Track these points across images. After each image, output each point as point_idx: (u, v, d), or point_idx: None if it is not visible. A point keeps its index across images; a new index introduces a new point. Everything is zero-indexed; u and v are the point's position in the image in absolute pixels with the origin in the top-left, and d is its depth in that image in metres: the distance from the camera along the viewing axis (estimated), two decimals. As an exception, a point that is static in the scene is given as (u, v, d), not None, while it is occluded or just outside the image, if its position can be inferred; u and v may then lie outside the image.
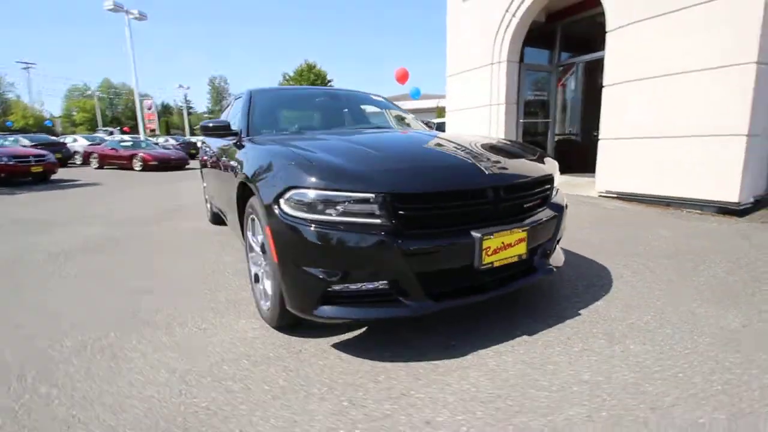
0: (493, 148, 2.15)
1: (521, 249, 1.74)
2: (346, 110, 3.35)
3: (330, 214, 1.54)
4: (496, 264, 1.66)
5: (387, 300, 1.59)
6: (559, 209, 2.03)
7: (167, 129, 49.76)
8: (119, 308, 2.30)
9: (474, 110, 7.73)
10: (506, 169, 1.82)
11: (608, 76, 5.31)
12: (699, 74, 4.30)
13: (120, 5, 19.72)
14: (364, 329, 1.96)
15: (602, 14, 6.47)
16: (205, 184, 4.45)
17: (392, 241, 1.50)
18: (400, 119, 3.45)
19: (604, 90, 5.40)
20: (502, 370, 1.59)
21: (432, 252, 1.56)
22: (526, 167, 1.96)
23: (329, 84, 31.45)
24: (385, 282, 1.57)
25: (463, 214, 1.65)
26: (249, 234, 2.15)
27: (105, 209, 5.88)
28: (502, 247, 1.67)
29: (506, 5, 6.71)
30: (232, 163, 2.48)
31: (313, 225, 1.54)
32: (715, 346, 1.73)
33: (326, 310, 1.58)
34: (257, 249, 2.07)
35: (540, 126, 7.89)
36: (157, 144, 18.38)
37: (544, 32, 7.55)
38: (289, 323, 1.88)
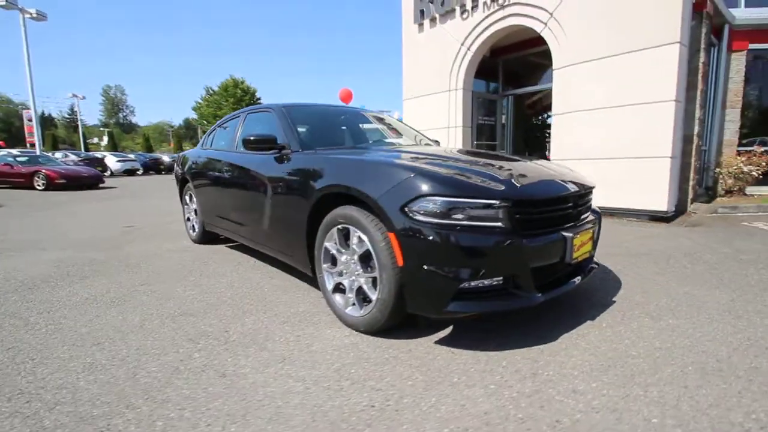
0: (552, 165, 2.53)
1: (590, 246, 2.09)
2: (367, 127, 3.51)
3: (457, 219, 1.72)
4: (579, 258, 1.99)
5: (505, 293, 1.80)
6: (597, 214, 2.46)
7: (54, 143, 43.02)
8: (194, 344, 2.15)
9: (433, 131, 8.32)
10: (577, 179, 2.19)
11: (556, 107, 6.23)
12: (633, 107, 5.31)
13: (14, 2, 17.15)
14: (449, 328, 2.13)
15: (536, 54, 7.53)
16: (194, 204, 4.18)
17: (518, 241, 1.73)
18: (412, 135, 3.70)
19: (553, 118, 6.30)
20: (595, 348, 1.89)
21: (543, 249, 1.83)
22: (584, 178, 2.35)
23: (258, 101, 30.65)
24: (501, 277, 1.79)
25: (557, 217, 1.96)
26: (330, 245, 2.19)
27: (55, 232, 5.11)
28: (581, 244, 2.01)
29: (462, 39, 7.47)
30: (291, 177, 2.49)
31: (444, 229, 1.70)
32: (723, 315, 2.24)
33: (456, 306, 1.73)
34: (344, 259, 2.13)
35: (489, 147, 8.77)
36: (56, 159, 16.04)
37: (488, 65, 8.51)
38: (390, 326, 1.98)
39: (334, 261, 2.23)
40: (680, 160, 5.71)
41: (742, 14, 7.22)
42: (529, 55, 7.83)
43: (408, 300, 1.81)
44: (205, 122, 30.26)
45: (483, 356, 1.83)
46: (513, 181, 1.87)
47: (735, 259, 3.39)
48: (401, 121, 4.27)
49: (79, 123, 48.28)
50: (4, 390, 1.60)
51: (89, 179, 13.12)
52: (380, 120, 3.67)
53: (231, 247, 4.12)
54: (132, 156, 26.00)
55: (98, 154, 24.34)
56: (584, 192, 2.16)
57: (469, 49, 7.42)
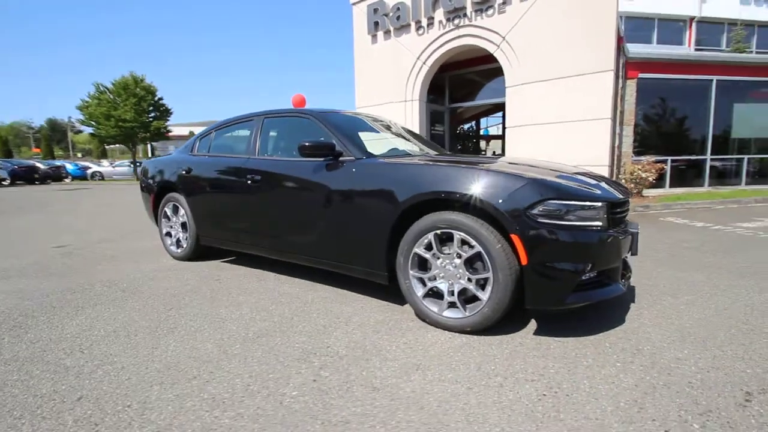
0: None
1: (635, 241, 2.49)
2: (398, 134, 3.57)
3: (570, 220, 1.94)
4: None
5: (603, 284, 2.07)
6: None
7: None
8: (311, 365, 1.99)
9: (388, 140, 8.60)
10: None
11: (509, 120, 6.96)
12: (577, 123, 6.22)
13: None
14: (531, 322, 2.33)
15: (478, 72, 8.29)
16: (181, 217, 3.75)
17: (616, 237, 2.01)
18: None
19: (506, 130, 7.02)
20: (657, 324, 2.26)
21: (626, 243, 2.14)
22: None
23: (160, 101, 27.57)
24: (600, 270, 2.05)
25: (623, 216, 2.30)
26: (421, 251, 2.23)
27: None
28: (636, 239, 2.39)
29: (418, 53, 7.89)
30: (364, 185, 2.45)
31: (563, 229, 1.90)
32: (717, 289, 2.84)
33: (574, 297, 1.94)
34: (440, 263, 2.19)
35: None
36: None
37: (436, 80, 9.11)
38: (494, 324, 2.10)
39: (424, 266, 2.28)
40: (609, 169, 6.84)
41: (634, 49, 8.92)
42: (474, 71, 8.60)
43: (530, 295, 1.97)
44: (93, 123, 26.12)
45: (585, 341, 2.06)
46: (603, 185, 2.16)
47: (682, 247, 4.24)
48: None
49: None
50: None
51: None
52: (388, 127, 3.71)
53: (228, 262, 3.78)
54: (-7, 163, 21.39)
55: None
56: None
57: (425, 63, 7.86)
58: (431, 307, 2.25)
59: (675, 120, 10.36)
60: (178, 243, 3.91)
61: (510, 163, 2.49)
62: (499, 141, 13.84)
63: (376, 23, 8.22)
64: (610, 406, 1.51)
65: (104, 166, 31.24)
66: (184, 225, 3.80)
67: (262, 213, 3.07)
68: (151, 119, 26.99)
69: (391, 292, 2.72)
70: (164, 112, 27.96)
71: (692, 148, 9.97)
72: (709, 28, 14.51)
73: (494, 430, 1.39)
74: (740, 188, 10.00)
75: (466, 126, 14.66)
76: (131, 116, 25.57)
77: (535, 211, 1.92)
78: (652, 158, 9.04)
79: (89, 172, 29.18)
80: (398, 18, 7.85)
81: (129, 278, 3.31)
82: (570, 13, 5.95)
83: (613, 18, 5.77)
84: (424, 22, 7.58)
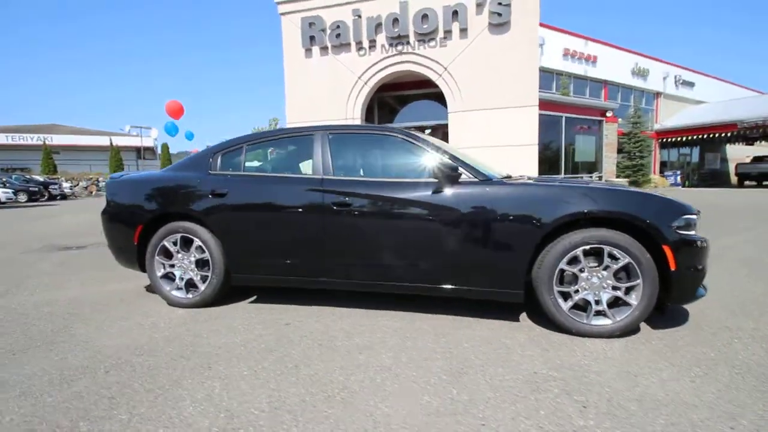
0: None
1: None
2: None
3: (692, 229, 2.40)
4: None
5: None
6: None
7: None
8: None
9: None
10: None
11: (452, 142, 7.63)
12: (510, 148, 7.25)
13: None
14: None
15: (419, 95, 8.91)
16: (194, 252, 3.00)
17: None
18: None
19: (450, 151, 7.69)
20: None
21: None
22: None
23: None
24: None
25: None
26: (564, 265, 2.40)
27: None
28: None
29: (359, 74, 7.98)
30: (502, 205, 2.49)
31: (692, 238, 2.34)
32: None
33: (698, 292, 2.40)
34: (585, 276, 2.40)
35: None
36: None
37: (376, 99, 9.33)
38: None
39: (568, 281, 2.44)
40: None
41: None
42: (416, 94, 9.10)
43: (676, 294, 2.34)
44: None
45: (672, 334, 2.50)
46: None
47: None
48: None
49: None
50: None
51: None
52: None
53: (253, 303, 3.20)
54: None
55: None
56: None
57: (366, 83, 8.00)
58: (577, 318, 2.42)
59: (546, 146, 12.98)
60: (189, 286, 3.09)
61: (594, 181, 2.89)
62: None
63: (312, 37, 7.98)
64: None
65: None
66: (201, 262, 3.04)
67: (356, 241, 2.74)
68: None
69: (475, 308, 2.82)
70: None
71: (558, 168, 12.61)
72: (544, 76, 18.83)
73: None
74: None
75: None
76: None
77: (675, 225, 2.31)
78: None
79: None
80: (338, 36, 7.79)
81: (153, 343, 2.49)
82: (502, 54, 7.01)
83: (536, 61, 7.05)
84: (366, 44, 7.75)
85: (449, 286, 2.63)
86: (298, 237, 2.85)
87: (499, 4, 6.99)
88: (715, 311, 2.81)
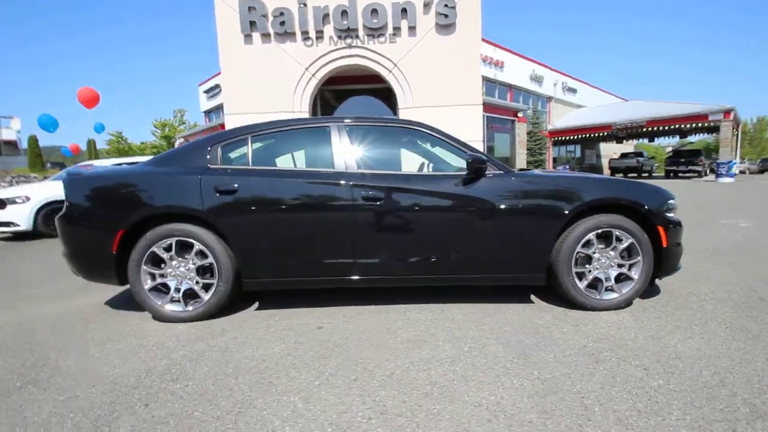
0: None
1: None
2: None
3: (674, 212, 2.87)
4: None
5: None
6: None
7: None
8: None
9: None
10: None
11: (403, 137, 7.79)
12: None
13: None
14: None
15: (369, 90, 8.94)
16: (196, 258, 2.65)
17: (678, 222, 3.08)
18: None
19: (401, 146, 7.82)
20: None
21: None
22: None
23: None
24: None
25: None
26: (581, 248, 2.68)
27: None
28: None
29: (306, 65, 7.65)
30: (528, 195, 2.68)
31: (675, 218, 2.80)
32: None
33: (680, 264, 2.88)
34: (597, 256, 2.71)
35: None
36: None
37: (323, 92, 8.98)
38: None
39: (581, 262, 2.73)
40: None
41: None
42: (366, 89, 8.98)
43: (666, 267, 2.76)
44: None
45: (659, 301, 3.02)
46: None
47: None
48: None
49: None
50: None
51: None
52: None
53: (259, 311, 2.96)
54: None
55: None
56: None
57: (314, 75, 7.71)
58: (591, 295, 2.72)
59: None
60: (187, 298, 2.70)
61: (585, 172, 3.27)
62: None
63: (253, 23, 7.36)
64: (756, 323, 2.47)
65: None
66: (203, 269, 2.68)
67: (390, 236, 2.69)
68: None
69: (488, 294, 3.02)
70: None
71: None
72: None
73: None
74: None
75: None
76: None
77: (664, 208, 2.75)
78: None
79: None
80: (282, 23, 7.32)
81: (176, 365, 2.15)
82: (449, 54, 7.35)
83: (477, 63, 7.54)
84: (313, 34, 7.43)
85: (481, 275, 2.75)
86: (327, 235, 2.68)
87: (446, 5, 7.35)
88: (674, 281, 3.39)
